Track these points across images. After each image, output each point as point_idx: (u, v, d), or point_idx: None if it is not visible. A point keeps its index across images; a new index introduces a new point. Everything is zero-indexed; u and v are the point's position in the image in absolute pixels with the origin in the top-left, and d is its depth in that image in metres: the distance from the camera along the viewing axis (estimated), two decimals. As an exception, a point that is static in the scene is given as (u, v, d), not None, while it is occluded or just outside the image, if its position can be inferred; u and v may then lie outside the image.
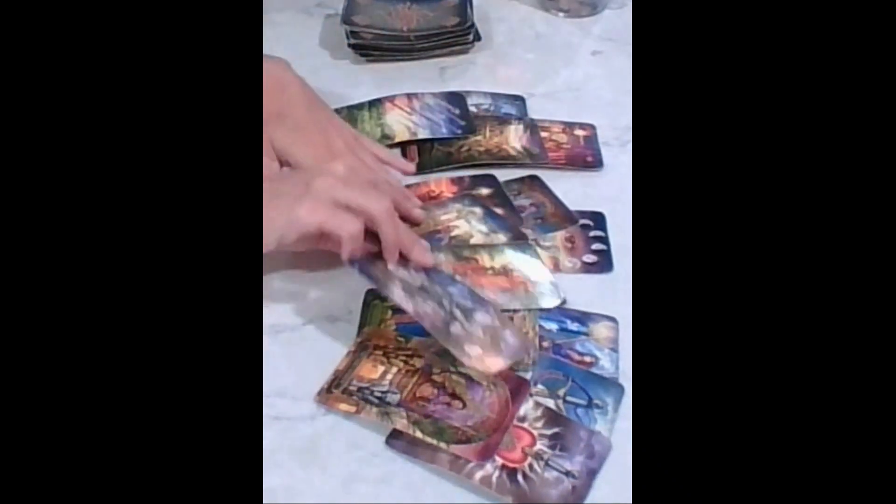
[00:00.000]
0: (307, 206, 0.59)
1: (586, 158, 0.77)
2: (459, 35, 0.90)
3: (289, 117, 0.69)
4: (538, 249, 0.67)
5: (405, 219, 0.66)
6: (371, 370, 0.57)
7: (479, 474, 0.51)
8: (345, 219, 0.59)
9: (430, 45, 0.90)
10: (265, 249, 0.59)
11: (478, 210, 0.70)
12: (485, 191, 0.72)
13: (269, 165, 0.67)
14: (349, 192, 0.60)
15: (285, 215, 0.59)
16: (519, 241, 0.67)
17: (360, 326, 0.61)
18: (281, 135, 0.68)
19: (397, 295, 0.59)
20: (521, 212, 0.70)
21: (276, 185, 0.60)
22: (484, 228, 0.68)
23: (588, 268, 0.66)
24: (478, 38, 0.92)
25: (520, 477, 0.51)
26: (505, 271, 0.65)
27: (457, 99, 0.82)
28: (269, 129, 0.68)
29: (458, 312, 0.58)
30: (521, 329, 0.60)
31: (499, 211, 0.70)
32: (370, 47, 0.90)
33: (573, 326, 0.61)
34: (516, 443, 0.53)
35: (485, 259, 0.66)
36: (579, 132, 0.80)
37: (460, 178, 0.73)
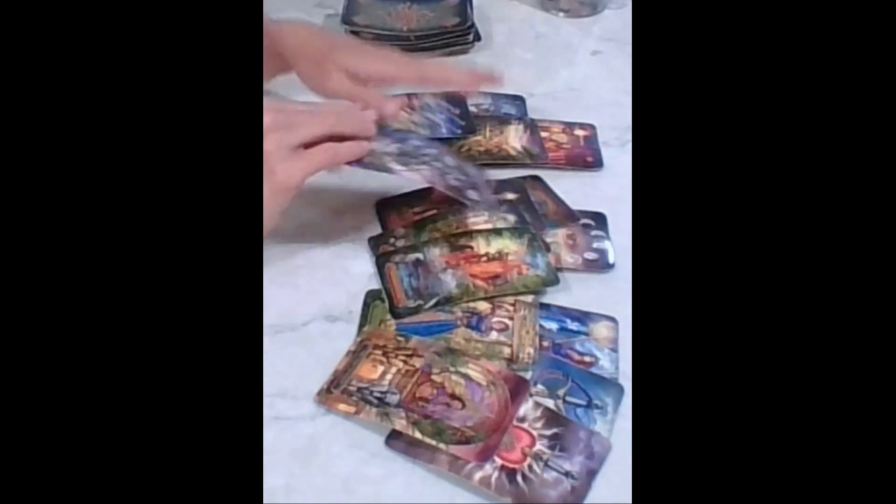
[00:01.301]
0: (280, 171, 0.58)
1: (586, 158, 0.77)
2: (459, 35, 0.90)
3: (343, 45, 0.75)
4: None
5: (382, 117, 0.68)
6: (371, 370, 0.57)
7: (478, 475, 0.51)
8: (317, 152, 0.60)
9: (430, 45, 0.90)
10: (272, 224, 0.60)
11: (511, 218, 0.69)
12: (510, 195, 0.71)
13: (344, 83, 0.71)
14: (296, 134, 0.60)
15: (267, 191, 0.58)
16: (520, 228, 0.68)
17: (360, 326, 0.61)
18: (345, 55, 0.71)
19: (394, 167, 0.63)
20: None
21: None
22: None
23: (589, 265, 0.66)
24: (478, 38, 0.92)
25: (519, 477, 0.51)
26: (500, 256, 0.65)
27: (457, 99, 0.82)
28: (332, 54, 0.71)
29: (444, 166, 0.65)
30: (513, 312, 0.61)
31: (526, 216, 0.69)
32: (370, 47, 0.90)
33: (573, 326, 0.61)
34: (516, 443, 0.53)
35: (480, 245, 0.66)
36: (579, 132, 0.80)
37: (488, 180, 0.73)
